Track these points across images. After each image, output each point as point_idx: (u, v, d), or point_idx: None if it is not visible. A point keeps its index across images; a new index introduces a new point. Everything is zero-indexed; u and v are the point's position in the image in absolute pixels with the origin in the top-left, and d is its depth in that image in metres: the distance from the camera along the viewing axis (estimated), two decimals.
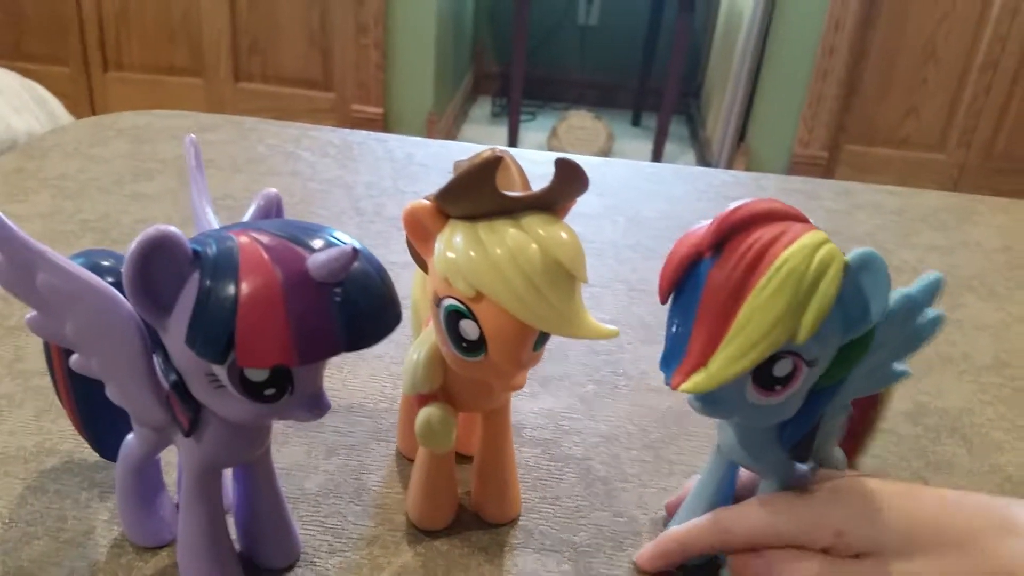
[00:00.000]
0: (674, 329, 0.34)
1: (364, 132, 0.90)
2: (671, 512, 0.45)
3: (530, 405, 0.53)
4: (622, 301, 0.66)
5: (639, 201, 0.82)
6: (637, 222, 0.78)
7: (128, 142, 0.84)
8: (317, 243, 0.31)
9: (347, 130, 0.90)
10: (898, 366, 0.37)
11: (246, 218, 0.35)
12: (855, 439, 0.46)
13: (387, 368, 0.55)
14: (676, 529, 0.40)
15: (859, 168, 2.35)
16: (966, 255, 0.77)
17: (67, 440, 0.47)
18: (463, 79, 2.88)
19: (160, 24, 2.38)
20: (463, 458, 0.47)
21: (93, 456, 0.45)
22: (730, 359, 0.31)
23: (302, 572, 0.41)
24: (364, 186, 0.79)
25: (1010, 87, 2.22)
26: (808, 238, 0.31)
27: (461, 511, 0.45)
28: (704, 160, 2.61)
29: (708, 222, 0.33)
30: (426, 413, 0.39)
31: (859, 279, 0.32)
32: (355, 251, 0.29)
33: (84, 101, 2.46)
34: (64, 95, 1.85)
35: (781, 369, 0.32)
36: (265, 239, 0.30)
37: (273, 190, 0.35)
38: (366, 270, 0.31)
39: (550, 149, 2.62)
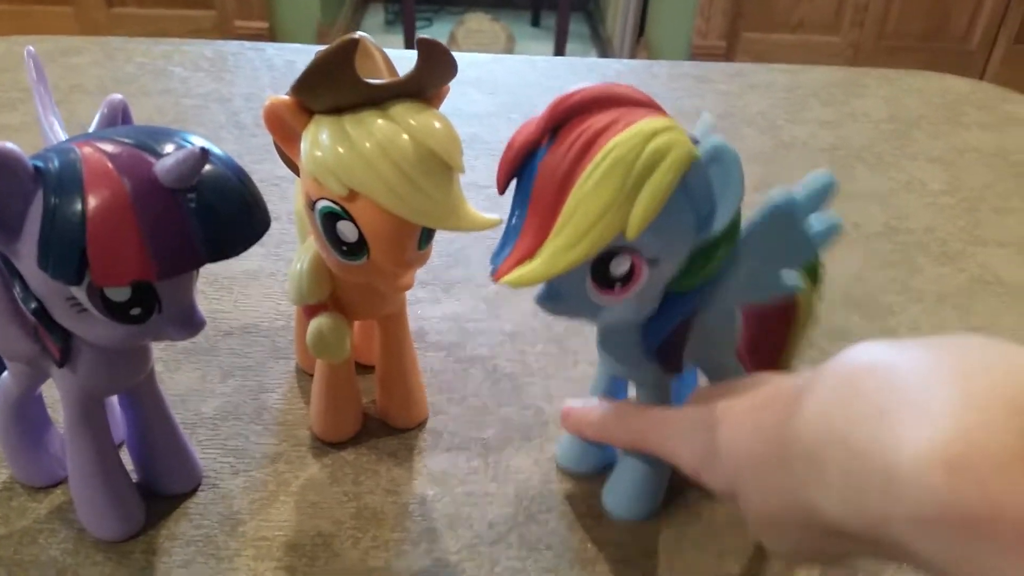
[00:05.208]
0: (513, 221, 0.32)
1: (239, 42, 0.85)
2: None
3: (433, 311, 0.53)
4: None
5: (534, 97, 0.80)
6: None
7: None
8: (167, 148, 0.28)
9: (221, 42, 0.85)
10: (788, 278, 0.35)
11: (92, 129, 0.32)
12: (770, 353, 0.41)
13: (281, 285, 0.54)
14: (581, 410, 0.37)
15: (757, 56, 2.36)
16: (855, 127, 0.78)
17: None
18: None
19: None
20: (367, 369, 0.46)
21: None
22: (558, 250, 0.29)
23: (205, 495, 0.40)
24: (242, 98, 0.75)
25: None
26: (644, 124, 0.28)
27: (368, 420, 0.44)
28: (606, 57, 2.58)
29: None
30: (316, 324, 0.38)
31: (709, 174, 0.29)
32: (204, 151, 0.27)
33: None
34: None
35: (618, 267, 0.30)
36: (110, 148, 0.28)
37: (118, 96, 0.32)
38: (222, 173, 0.29)
39: None
